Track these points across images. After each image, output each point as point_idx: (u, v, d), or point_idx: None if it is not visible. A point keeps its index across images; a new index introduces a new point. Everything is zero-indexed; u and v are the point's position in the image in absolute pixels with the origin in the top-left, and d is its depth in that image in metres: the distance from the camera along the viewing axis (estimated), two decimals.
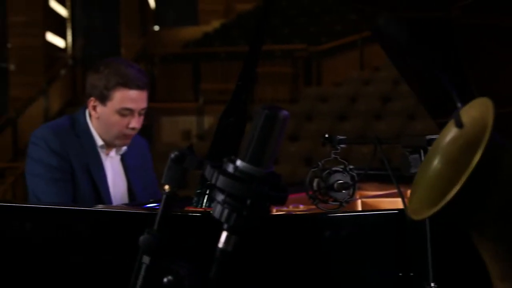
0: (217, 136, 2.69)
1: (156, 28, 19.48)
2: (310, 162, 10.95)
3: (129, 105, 3.25)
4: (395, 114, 12.02)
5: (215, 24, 18.68)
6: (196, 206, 2.64)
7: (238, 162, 1.40)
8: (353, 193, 2.70)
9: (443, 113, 3.48)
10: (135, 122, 3.27)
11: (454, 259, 2.41)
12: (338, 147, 2.72)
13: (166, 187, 1.47)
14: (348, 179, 2.68)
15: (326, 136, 2.76)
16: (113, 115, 3.26)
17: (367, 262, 2.36)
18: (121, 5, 18.06)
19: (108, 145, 3.37)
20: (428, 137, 2.13)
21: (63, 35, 17.57)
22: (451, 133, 1.52)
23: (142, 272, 1.48)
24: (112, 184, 3.36)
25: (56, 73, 16.63)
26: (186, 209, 2.62)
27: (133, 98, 3.25)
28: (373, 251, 2.36)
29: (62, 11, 17.66)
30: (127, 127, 3.27)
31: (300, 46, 15.47)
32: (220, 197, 1.41)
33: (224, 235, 1.44)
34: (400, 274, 2.32)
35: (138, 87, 3.26)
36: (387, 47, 3.37)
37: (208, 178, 1.43)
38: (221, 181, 1.40)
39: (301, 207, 3.46)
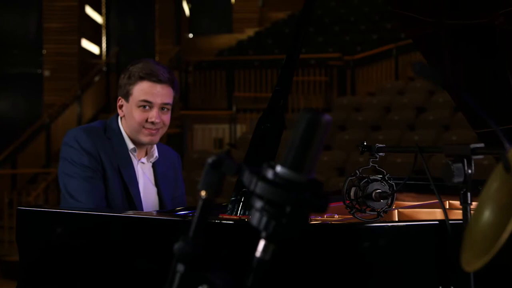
0: (254, 143, 2.63)
1: (191, 35, 19.52)
2: (343, 172, 10.88)
3: (147, 97, 3.24)
4: (430, 124, 11.91)
5: (249, 32, 18.69)
6: (231, 214, 2.58)
7: (278, 168, 1.34)
8: (392, 203, 2.63)
9: (484, 123, 3.41)
10: (154, 116, 3.24)
11: (495, 272, 2.33)
12: (377, 155, 2.65)
13: (203, 193, 1.41)
14: (386, 189, 2.61)
15: (365, 144, 2.70)
16: (134, 109, 3.26)
17: (406, 274, 2.29)
18: (156, 13, 18.13)
19: (138, 145, 3.34)
20: (472, 145, 2.05)
21: (98, 42, 17.65)
22: (499, 177, 1.45)
23: (176, 281, 1.42)
24: (142, 189, 3.34)
25: (90, 80, 16.71)
26: (220, 216, 2.56)
27: (152, 90, 3.24)
28: (412, 263, 2.29)
29: (98, 18, 17.75)
30: (146, 120, 3.25)
31: (335, 55, 15.40)
32: (258, 204, 1.35)
33: (261, 243, 1.37)
34: (440, 287, 2.24)
35: (158, 80, 3.24)
36: (428, 56, 3.30)
37: (246, 184, 1.37)
38: (260, 187, 1.33)
39: (336, 216, 3.39)
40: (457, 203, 3.38)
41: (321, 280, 2.25)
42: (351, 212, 2.60)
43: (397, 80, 15.03)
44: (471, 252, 1.42)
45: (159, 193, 3.42)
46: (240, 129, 14.33)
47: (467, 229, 1.47)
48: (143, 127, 3.27)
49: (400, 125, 12.22)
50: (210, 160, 1.41)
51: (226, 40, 18.60)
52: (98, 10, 17.73)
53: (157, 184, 3.42)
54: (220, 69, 16.20)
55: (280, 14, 19.19)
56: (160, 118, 3.28)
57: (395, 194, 2.60)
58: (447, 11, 3.28)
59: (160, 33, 18.14)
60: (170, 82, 3.31)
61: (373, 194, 2.59)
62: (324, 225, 2.42)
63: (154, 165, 3.42)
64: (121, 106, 3.33)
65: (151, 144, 3.36)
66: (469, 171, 2.06)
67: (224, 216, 2.55)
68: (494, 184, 1.46)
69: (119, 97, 3.33)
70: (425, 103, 12.98)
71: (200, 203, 1.42)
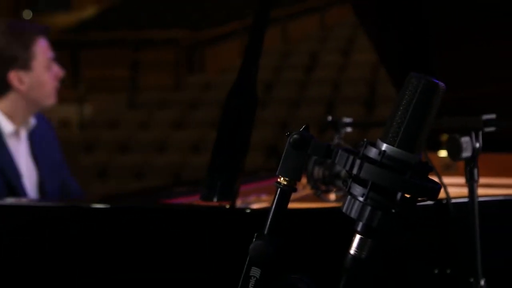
0: (227, 123, 2.32)
1: (29, 13, 18.67)
2: (198, 151, 10.72)
3: (50, 54, 3.02)
4: (279, 101, 11.94)
5: (91, 10, 18.08)
6: (208, 200, 2.27)
7: (384, 146, 1.11)
8: None
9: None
10: (59, 70, 2.96)
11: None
12: (342, 131, 2.43)
13: (281, 179, 1.15)
14: None
15: (330, 119, 2.47)
16: (45, 72, 2.97)
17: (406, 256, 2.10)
18: None
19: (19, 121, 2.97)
20: (485, 117, 1.88)
21: None
22: None
23: None
24: (26, 169, 3.00)
25: None
26: (197, 203, 2.27)
27: (49, 45, 3.03)
28: (411, 244, 2.10)
29: None
30: (56, 79, 2.95)
31: (183, 33, 15.11)
32: (358, 190, 1.11)
33: (357, 238, 1.14)
34: (437, 270, 2.07)
35: (47, 33, 2.98)
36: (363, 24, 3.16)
37: (341, 166, 1.12)
38: (366, 169, 1.09)
39: (264, 197, 3.18)
40: None
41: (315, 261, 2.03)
42: (317, 194, 2.37)
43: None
44: None
45: (37, 168, 3.06)
46: (88, 109, 13.84)
47: None
48: (55, 87, 2.98)
49: None
50: (291, 139, 1.14)
51: (66, 18, 17.91)
52: None
53: (34, 156, 3.06)
54: (63, 48, 15.54)
55: None
56: None
57: None
58: None
59: None
60: None
61: (342, 173, 2.36)
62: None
63: (31, 136, 3.07)
64: (20, 80, 2.95)
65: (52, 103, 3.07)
66: (477, 145, 1.89)
67: (200, 203, 2.26)
68: None
69: (12, 71, 2.95)
70: (272, 80, 12.97)
71: (278, 192, 1.16)
